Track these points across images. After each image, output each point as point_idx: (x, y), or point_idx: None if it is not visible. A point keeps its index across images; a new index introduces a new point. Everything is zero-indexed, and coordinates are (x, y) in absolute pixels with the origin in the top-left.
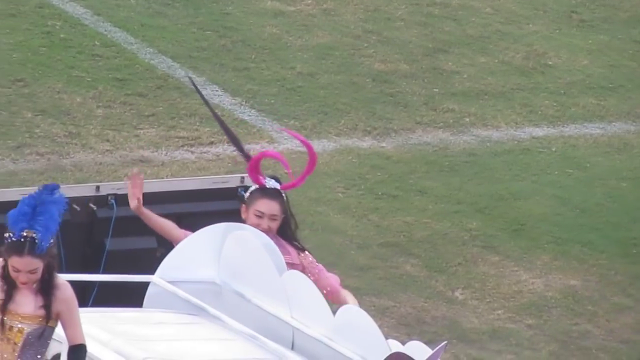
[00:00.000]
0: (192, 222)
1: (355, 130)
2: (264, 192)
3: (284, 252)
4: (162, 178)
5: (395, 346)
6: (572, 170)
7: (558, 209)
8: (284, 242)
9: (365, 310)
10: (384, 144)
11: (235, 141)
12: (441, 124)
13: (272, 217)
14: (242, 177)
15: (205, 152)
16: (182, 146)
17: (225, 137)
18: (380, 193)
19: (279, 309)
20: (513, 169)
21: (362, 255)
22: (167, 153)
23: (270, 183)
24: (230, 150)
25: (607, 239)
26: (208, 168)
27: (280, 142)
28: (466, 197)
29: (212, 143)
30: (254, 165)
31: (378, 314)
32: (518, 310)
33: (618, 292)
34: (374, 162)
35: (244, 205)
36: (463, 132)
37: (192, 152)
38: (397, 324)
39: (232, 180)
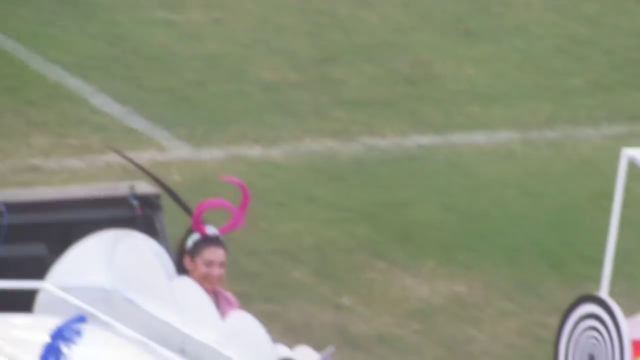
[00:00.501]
0: (82, 229)
1: (244, 139)
2: (209, 240)
3: (227, 304)
4: (53, 186)
5: (283, 351)
6: (457, 177)
7: (444, 216)
8: (224, 292)
9: (254, 316)
10: (272, 153)
11: (174, 197)
12: (329, 132)
13: (221, 265)
14: (132, 185)
15: (95, 160)
16: (73, 154)
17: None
18: (269, 201)
19: (169, 315)
20: (400, 177)
21: (251, 261)
22: (57, 161)
23: (211, 230)
24: (120, 158)
25: (492, 245)
26: (98, 176)
27: (170, 150)
28: (354, 204)
29: (102, 151)
30: (199, 217)
31: (266, 319)
32: (404, 316)
33: (502, 298)
34: (262, 170)
35: (187, 256)
36: (351, 140)
37: (83, 160)
38: (285, 330)
39: (122, 188)
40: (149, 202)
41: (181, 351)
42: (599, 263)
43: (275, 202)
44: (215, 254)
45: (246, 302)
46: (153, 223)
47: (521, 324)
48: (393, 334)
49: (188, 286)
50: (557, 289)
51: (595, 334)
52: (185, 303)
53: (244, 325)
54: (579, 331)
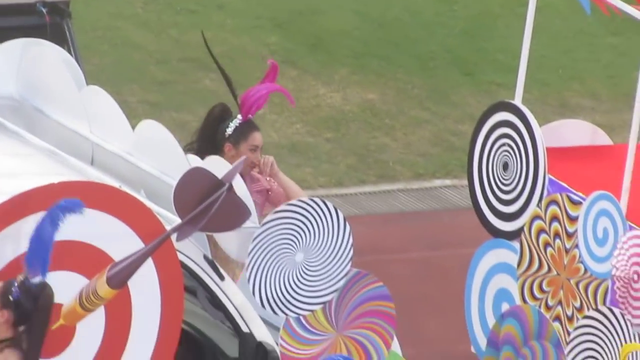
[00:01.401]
0: None
1: None
2: (252, 125)
3: (254, 180)
4: None
5: (194, 161)
6: None
7: (356, 23)
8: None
9: (165, 124)
10: None
11: (228, 80)
12: None
13: (261, 149)
14: None
15: None
16: None
17: None
18: (179, 8)
19: (78, 124)
20: None
21: (162, 70)
22: None
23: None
24: None
25: (404, 53)
26: None
27: None
28: (265, 12)
29: None
30: (251, 106)
31: (178, 128)
32: (317, 124)
33: (415, 106)
34: None
35: (229, 144)
36: None
37: None
38: None
39: None
40: (58, 10)
41: (91, 161)
42: (512, 70)
43: (185, 9)
44: (258, 138)
45: (157, 111)
46: (62, 31)
47: (434, 131)
48: (305, 142)
49: (98, 95)
50: (471, 97)
51: (510, 141)
52: (95, 112)
53: (155, 134)
54: (492, 139)
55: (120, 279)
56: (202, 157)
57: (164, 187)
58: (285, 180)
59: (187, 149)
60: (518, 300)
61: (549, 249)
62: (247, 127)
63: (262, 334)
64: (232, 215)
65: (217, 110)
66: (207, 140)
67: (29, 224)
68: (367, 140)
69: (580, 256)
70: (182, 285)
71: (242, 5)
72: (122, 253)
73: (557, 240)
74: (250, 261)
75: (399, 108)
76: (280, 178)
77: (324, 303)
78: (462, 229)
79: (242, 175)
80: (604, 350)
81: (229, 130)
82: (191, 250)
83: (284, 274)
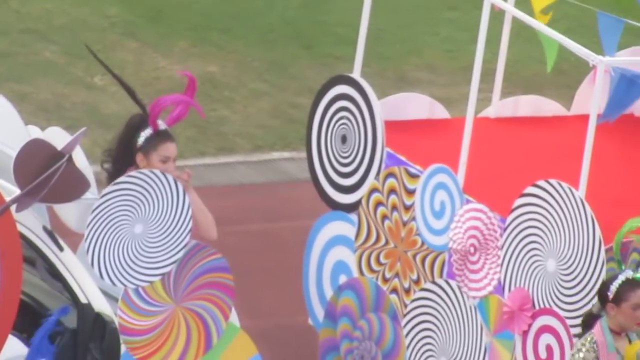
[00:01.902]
0: None
1: None
2: (163, 135)
3: None
4: None
5: (34, 132)
6: None
7: None
8: None
9: (5, 96)
10: None
11: (130, 92)
12: None
13: (174, 160)
14: None
15: None
16: None
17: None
18: None
19: None
20: None
21: (2, 41)
22: None
23: (161, 125)
24: None
25: (245, 25)
26: None
27: None
28: None
29: None
30: (157, 114)
31: (17, 99)
32: (156, 96)
33: (255, 79)
34: None
35: (140, 154)
36: None
37: None
38: (36, 110)
39: None
40: None
41: None
42: (351, 43)
43: None
44: (169, 149)
45: None
46: None
47: (273, 104)
48: None
49: None
50: (310, 69)
51: (348, 114)
52: None
53: None
54: (331, 112)
55: None
56: (118, 167)
57: (3, 158)
58: (194, 200)
59: (105, 157)
60: (355, 273)
61: (387, 222)
62: (157, 138)
63: (100, 305)
64: (71, 186)
65: (136, 120)
66: (124, 149)
67: None
68: (207, 113)
69: (417, 229)
70: (21, 256)
71: None
72: None
73: (395, 213)
74: (90, 232)
75: (238, 80)
76: (190, 194)
77: (162, 274)
78: (301, 201)
79: None
80: (441, 322)
81: (140, 141)
82: (30, 221)
83: (123, 244)
